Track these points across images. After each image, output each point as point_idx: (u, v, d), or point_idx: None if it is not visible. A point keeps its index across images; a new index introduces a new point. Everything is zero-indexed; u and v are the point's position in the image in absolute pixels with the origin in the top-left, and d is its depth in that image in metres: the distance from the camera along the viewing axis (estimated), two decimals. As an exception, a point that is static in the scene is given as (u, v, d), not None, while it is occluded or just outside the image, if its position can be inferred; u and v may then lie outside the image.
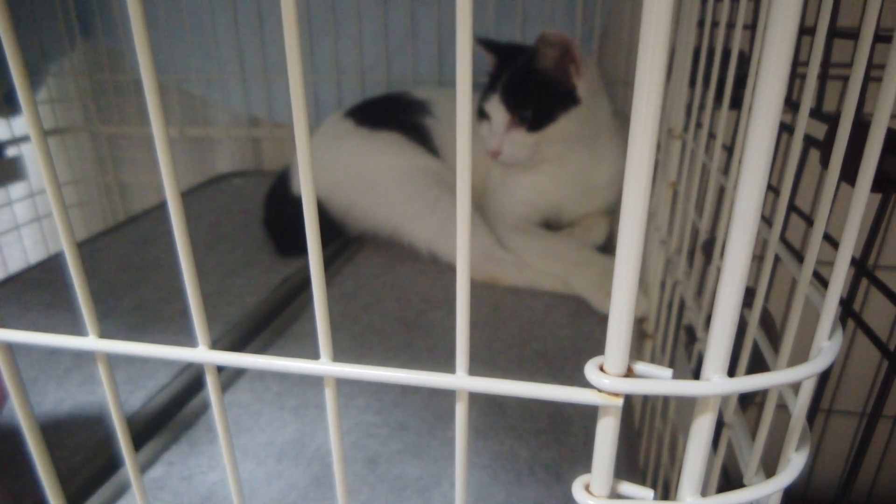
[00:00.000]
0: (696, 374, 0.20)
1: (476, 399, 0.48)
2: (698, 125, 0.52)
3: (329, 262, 0.76)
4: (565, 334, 0.60)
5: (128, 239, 0.83)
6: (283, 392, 0.50)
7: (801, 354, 0.24)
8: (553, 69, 0.71)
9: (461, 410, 0.22)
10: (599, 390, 0.20)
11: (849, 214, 0.22)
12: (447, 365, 0.21)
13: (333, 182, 0.80)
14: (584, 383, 0.20)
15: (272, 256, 0.77)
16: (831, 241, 0.34)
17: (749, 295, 0.22)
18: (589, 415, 0.47)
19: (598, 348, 0.19)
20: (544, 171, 0.80)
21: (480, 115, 0.77)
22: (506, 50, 0.78)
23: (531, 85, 0.73)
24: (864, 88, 0.27)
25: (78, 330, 0.25)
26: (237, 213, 0.93)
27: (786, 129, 0.38)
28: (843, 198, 0.22)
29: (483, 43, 0.78)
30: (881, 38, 0.27)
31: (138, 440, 0.44)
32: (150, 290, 0.67)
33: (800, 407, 0.25)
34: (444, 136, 0.84)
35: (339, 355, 0.22)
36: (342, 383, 0.40)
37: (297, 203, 0.21)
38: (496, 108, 0.73)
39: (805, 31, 0.29)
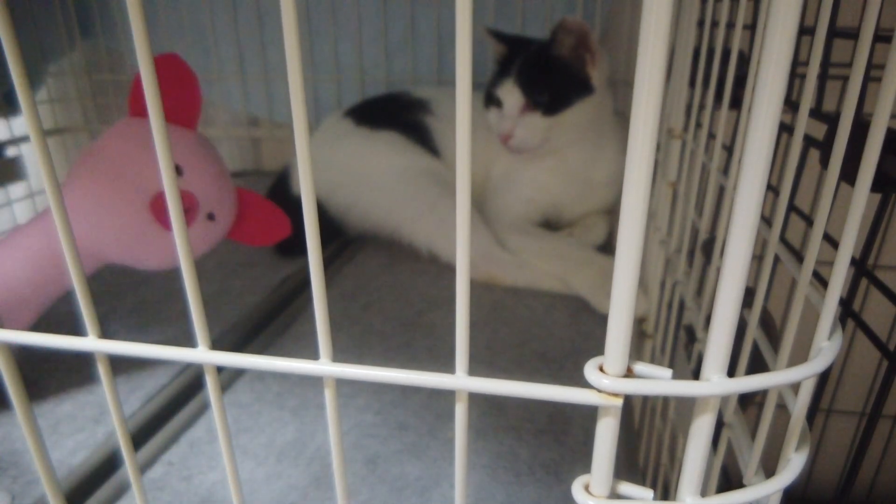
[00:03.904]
0: (696, 375, 0.20)
1: (476, 399, 0.48)
2: (698, 125, 0.52)
3: (329, 262, 0.76)
4: (565, 334, 0.60)
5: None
6: (283, 392, 0.50)
7: (800, 354, 0.24)
8: (568, 56, 0.72)
9: (461, 410, 0.22)
10: (599, 391, 0.20)
11: (849, 214, 0.22)
12: (447, 365, 0.21)
13: (333, 182, 0.80)
14: (584, 383, 0.20)
15: (272, 256, 0.77)
16: (831, 241, 0.34)
17: (749, 295, 0.22)
18: (589, 415, 0.47)
19: (597, 348, 0.19)
20: (545, 168, 0.80)
21: (489, 101, 0.77)
22: (515, 40, 0.78)
23: (547, 70, 0.73)
24: (864, 88, 0.27)
25: (78, 330, 0.25)
26: (237, 213, 0.92)
27: (786, 129, 0.38)
28: (843, 198, 0.22)
29: (492, 33, 0.78)
30: (881, 38, 0.27)
31: (138, 440, 0.44)
32: (150, 291, 0.67)
33: (799, 407, 0.25)
34: (444, 135, 0.84)
35: (339, 355, 0.22)
36: (342, 383, 0.40)
37: (296, 203, 0.21)
38: (510, 92, 0.73)
39: (805, 31, 0.29)
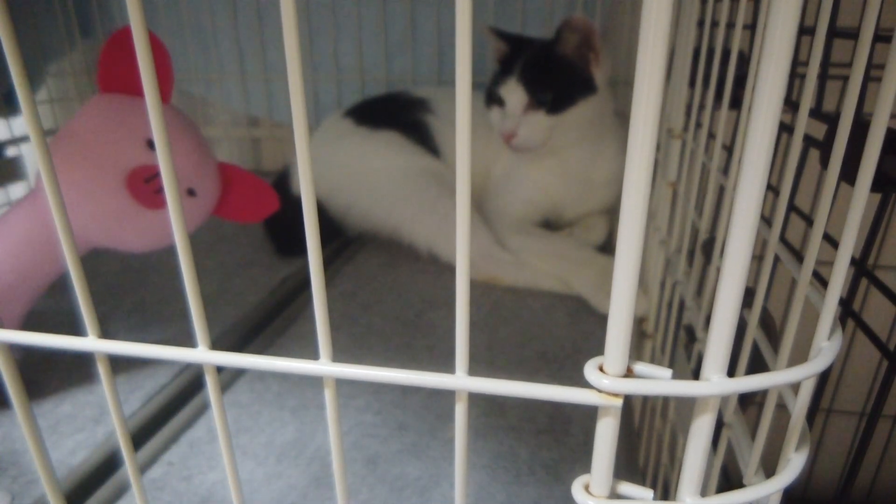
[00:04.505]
0: (696, 374, 0.20)
1: (476, 399, 0.48)
2: (698, 125, 0.52)
3: (329, 262, 0.76)
4: (565, 334, 0.60)
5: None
6: (283, 392, 0.50)
7: (800, 354, 0.24)
8: (572, 55, 0.72)
9: (461, 411, 0.22)
10: (599, 391, 0.20)
11: (849, 214, 0.22)
12: (447, 365, 0.21)
13: (333, 182, 0.80)
14: (584, 383, 0.20)
15: (272, 257, 0.77)
16: (831, 241, 0.34)
17: (749, 295, 0.22)
18: (589, 415, 0.47)
19: (597, 348, 0.19)
20: (545, 168, 0.80)
21: (490, 100, 0.77)
22: (518, 38, 0.78)
23: (551, 68, 0.73)
24: (864, 88, 0.27)
25: (78, 330, 0.25)
26: (237, 213, 0.92)
27: (786, 129, 0.38)
28: (843, 198, 0.22)
29: (495, 31, 0.78)
30: (881, 38, 0.27)
31: (138, 440, 0.44)
32: (151, 291, 0.67)
33: (799, 407, 0.25)
34: (444, 134, 0.84)
35: (339, 355, 0.22)
36: (342, 383, 0.40)
37: (296, 203, 0.21)
38: (513, 91, 0.73)
39: (805, 31, 0.29)
